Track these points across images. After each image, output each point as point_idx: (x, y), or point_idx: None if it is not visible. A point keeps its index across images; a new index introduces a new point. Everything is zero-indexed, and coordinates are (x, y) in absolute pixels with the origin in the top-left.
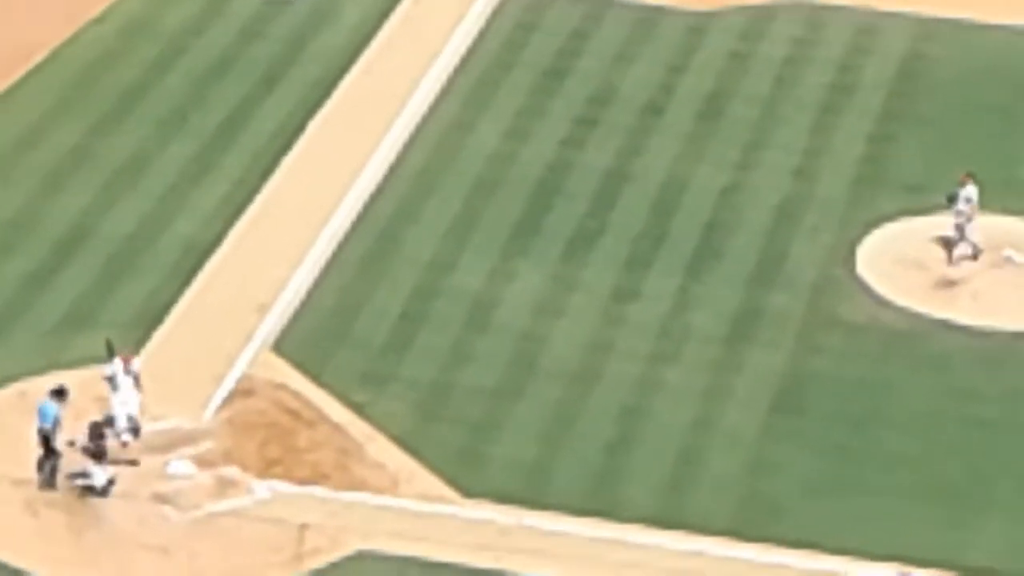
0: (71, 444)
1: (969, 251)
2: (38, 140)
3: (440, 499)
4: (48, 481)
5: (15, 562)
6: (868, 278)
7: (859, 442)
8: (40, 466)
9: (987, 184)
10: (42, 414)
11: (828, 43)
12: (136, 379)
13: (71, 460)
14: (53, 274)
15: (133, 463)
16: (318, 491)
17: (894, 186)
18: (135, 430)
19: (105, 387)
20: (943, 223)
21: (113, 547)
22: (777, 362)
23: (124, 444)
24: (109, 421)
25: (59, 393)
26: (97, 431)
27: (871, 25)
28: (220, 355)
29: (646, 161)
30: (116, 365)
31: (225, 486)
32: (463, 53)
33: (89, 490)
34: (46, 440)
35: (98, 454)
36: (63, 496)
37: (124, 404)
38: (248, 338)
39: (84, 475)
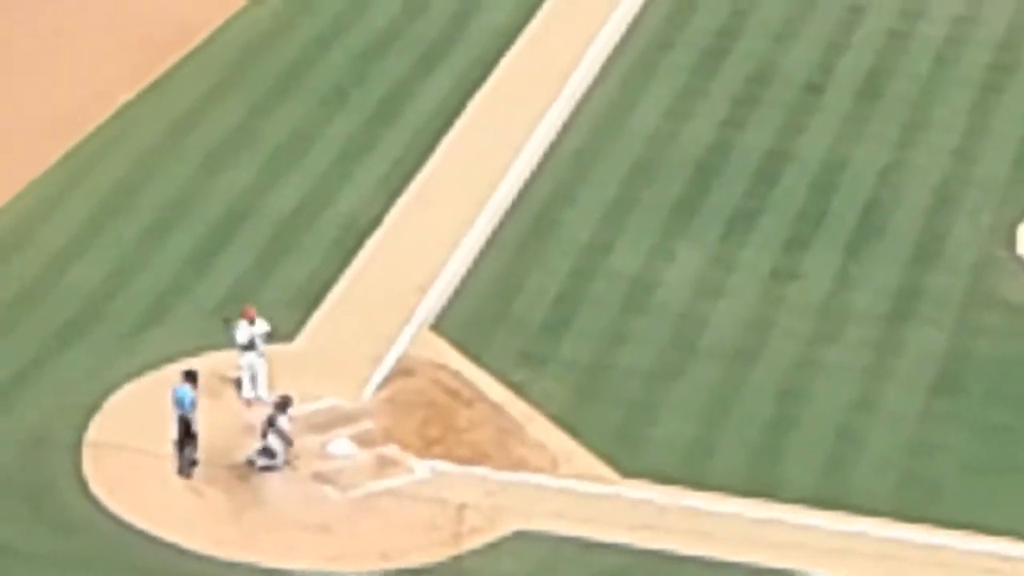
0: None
1: None
2: (200, 119)
3: (599, 479)
4: (186, 467)
5: (180, 541)
6: None
7: (1020, 422)
8: (180, 449)
9: None
10: (178, 399)
11: (988, 22)
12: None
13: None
14: (214, 254)
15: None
16: (477, 471)
17: None
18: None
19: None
20: None
21: (274, 526)
22: (937, 342)
23: (248, 402)
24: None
25: (191, 376)
26: (284, 406)
27: None
28: (379, 335)
29: (805, 140)
30: (242, 324)
31: (385, 465)
32: (622, 33)
33: (267, 468)
34: (186, 425)
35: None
36: (226, 476)
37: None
38: (407, 318)
39: (269, 453)
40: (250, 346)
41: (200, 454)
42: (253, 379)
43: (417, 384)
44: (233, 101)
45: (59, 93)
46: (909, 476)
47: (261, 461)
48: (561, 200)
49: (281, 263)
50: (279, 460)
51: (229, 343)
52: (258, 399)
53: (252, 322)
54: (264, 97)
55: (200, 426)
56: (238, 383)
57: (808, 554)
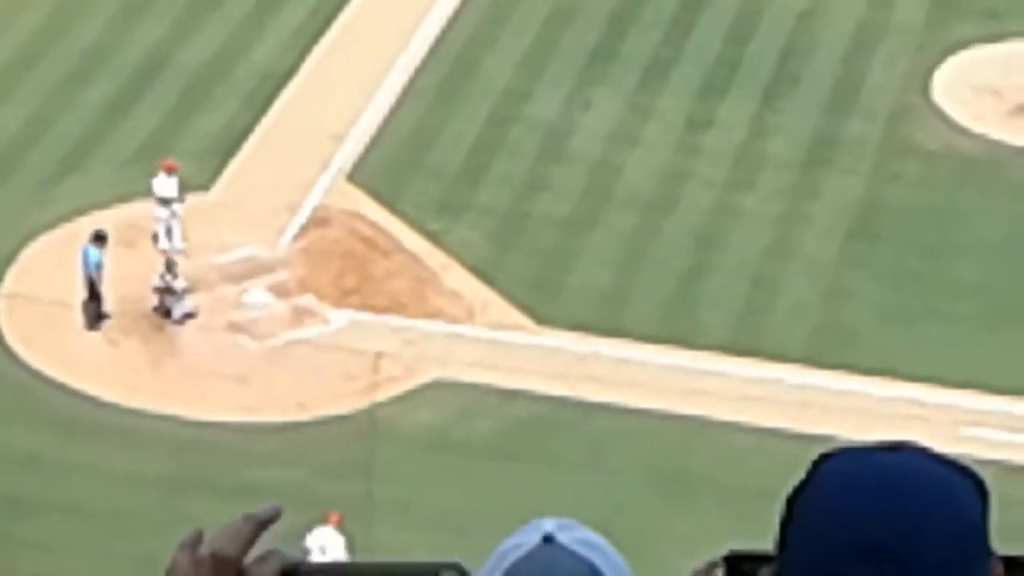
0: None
1: None
2: None
3: (515, 327)
4: (92, 324)
5: (94, 391)
6: (944, 105)
7: (934, 269)
8: (85, 309)
9: None
10: (84, 260)
11: None
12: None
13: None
14: (130, 104)
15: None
16: (394, 320)
17: (972, 12)
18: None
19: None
20: (1022, 51)
21: (190, 376)
22: (853, 189)
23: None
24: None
25: (100, 238)
26: (171, 267)
27: None
28: (295, 184)
29: None
30: (161, 178)
31: (301, 315)
32: None
33: (167, 315)
34: (92, 285)
35: (166, 290)
36: (140, 326)
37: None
38: (323, 167)
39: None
40: (167, 200)
41: (110, 306)
42: (169, 232)
43: (333, 234)
44: None
45: None
46: (824, 322)
47: (178, 311)
48: (478, 47)
49: (197, 113)
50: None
51: (147, 194)
52: (175, 251)
53: (171, 174)
54: None
55: (109, 279)
56: (155, 236)
57: (723, 400)
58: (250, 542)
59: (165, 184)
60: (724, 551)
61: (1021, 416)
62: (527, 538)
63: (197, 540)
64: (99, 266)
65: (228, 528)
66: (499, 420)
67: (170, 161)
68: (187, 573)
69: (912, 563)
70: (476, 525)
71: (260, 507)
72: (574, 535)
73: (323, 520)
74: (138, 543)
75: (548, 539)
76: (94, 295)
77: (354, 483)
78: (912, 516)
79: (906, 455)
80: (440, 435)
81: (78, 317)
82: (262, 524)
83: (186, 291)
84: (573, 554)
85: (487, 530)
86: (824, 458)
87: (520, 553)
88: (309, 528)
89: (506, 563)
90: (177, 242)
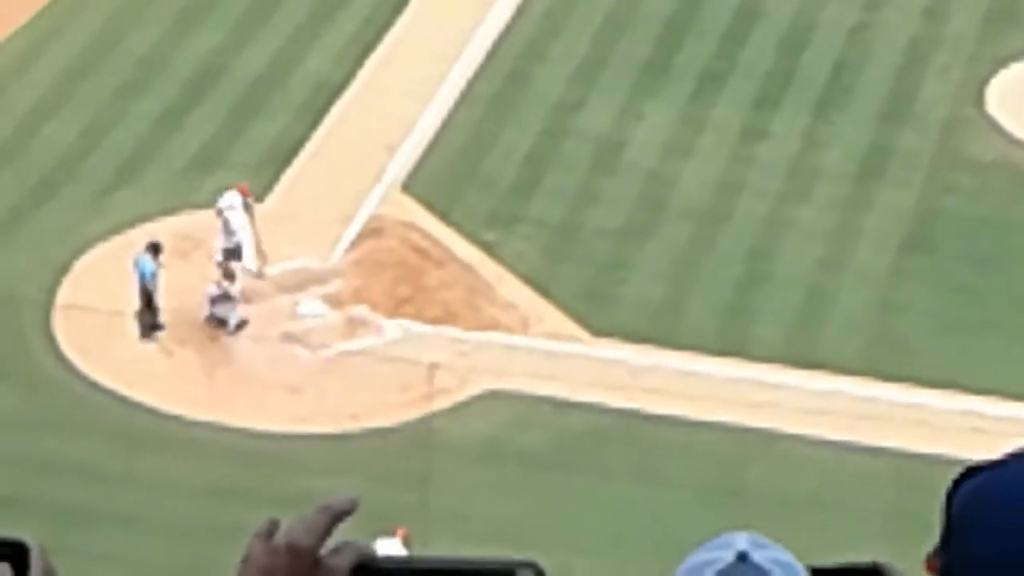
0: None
1: None
2: None
3: (569, 339)
4: (146, 334)
5: (150, 401)
6: (998, 117)
7: (989, 281)
8: (140, 319)
9: None
10: (140, 270)
11: None
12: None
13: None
14: (184, 114)
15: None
16: (448, 331)
17: None
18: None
19: (221, 221)
20: None
21: (244, 386)
22: (907, 201)
23: (257, 274)
24: (225, 255)
25: (155, 248)
26: (227, 274)
27: None
28: (349, 195)
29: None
30: (232, 197)
31: (355, 325)
32: None
33: (222, 324)
34: (147, 295)
35: (223, 297)
36: (195, 336)
37: (249, 235)
38: (377, 177)
39: (220, 320)
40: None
41: (165, 316)
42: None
43: (387, 244)
44: None
45: None
46: (878, 335)
47: (233, 319)
48: (531, 58)
49: (251, 124)
50: (232, 320)
51: (201, 204)
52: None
53: (245, 198)
54: None
55: (164, 290)
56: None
57: (778, 413)
58: (326, 533)
59: (234, 203)
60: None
61: None
62: (720, 555)
63: (273, 529)
64: (154, 276)
65: (304, 518)
66: (553, 432)
67: (244, 185)
68: (262, 562)
69: None
70: (531, 536)
71: (336, 498)
72: (768, 554)
73: (392, 532)
74: (192, 553)
75: (742, 557)
76: (149, 305)
77: (408, 494)
78: None
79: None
80: (494, 446)
81: (133, 327)
82: (338, 515)
83: (241, 298)
84: (767, 573)
85: (542, 541)
86: (959, 482)
87: (715, 569)
88: (371, 538)
89: None
90: (250, 262)
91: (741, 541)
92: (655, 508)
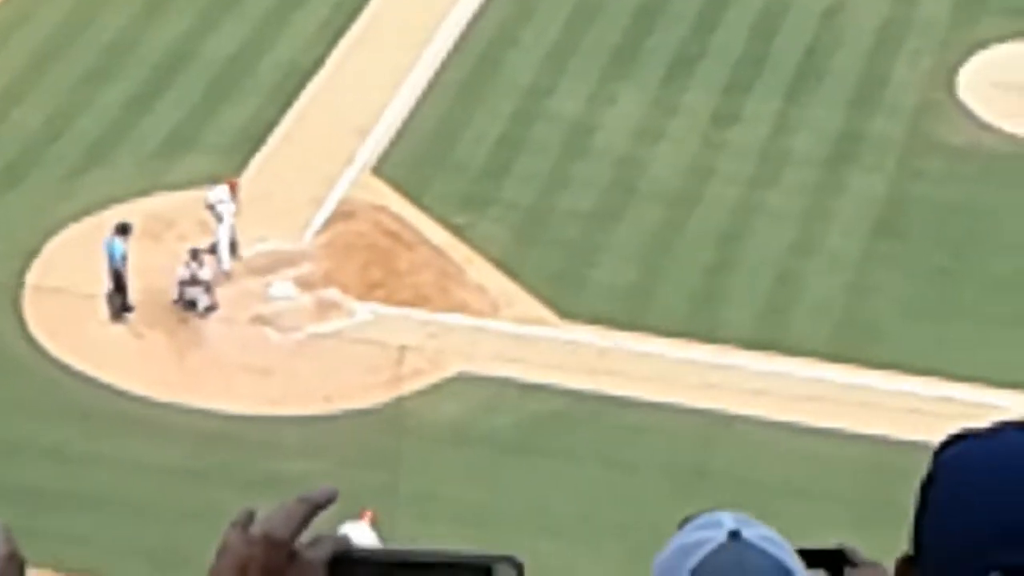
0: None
1: None
2: None
3: (539, 321)
4: (117, 316)
5: (119, 383)
6: (969, 101)
7: (959, 266)
8: (110, 300)
9: None
10: (109, 252)
11: None
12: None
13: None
14: (154, 98)
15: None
16: (418, 313)
17: (997, 9)
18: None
19: (207, 214)
20: None
21: (215, 368)
22: (877, 185)
23: (226, 274)
24: (212, 248)
25: (123, 229)
26: (196, 257)
27: None
28: (320, 178)
29: None
30: (221, 191)
31: (326, 308)
32: None
33: (191, 306)
34: (118, 276)
35: (193, 280)
36: (165, 318)
37: (228, 232)
38: (348, 161)
39: (189, 302)
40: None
41: (137, 297)
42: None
43: (358, 227)
44: None
45: None
46: (849, 319)
47: (202, 302)
48: (502, 42)
49: (221, 107)
50: (200, 304)
51: (171, 187)
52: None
53: (233, 191)
54: None
55: (134, 271)
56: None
57: (744, 395)
58: (303, 524)
59: (223, 198)
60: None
61: None
62: (710, 534)
63: (249, 519)
64: (123, 257)
65: (281, 509)
66: (522, 414)
67: (236, 180)
68: (239, 552)
69: None
70: (499, 518)
71: (315, 489)
72: (757, 532)
73: (358, 515)
74: (163, 535)
75: (734, 535)
76: (119, 286)
77: (379, 476)
78: None
79: (1016, 432)
80: (463, 428)
81: (103, 309)
82: (316, 506)
83: (212, 281)
84: (762, 551)
85: (509, 524)
86: (945, 447)
87: (707, 550)
88: (339, 521)
89: (692, 560)
90: (224, 262)
91: (728, 520)
92: (623, 490)
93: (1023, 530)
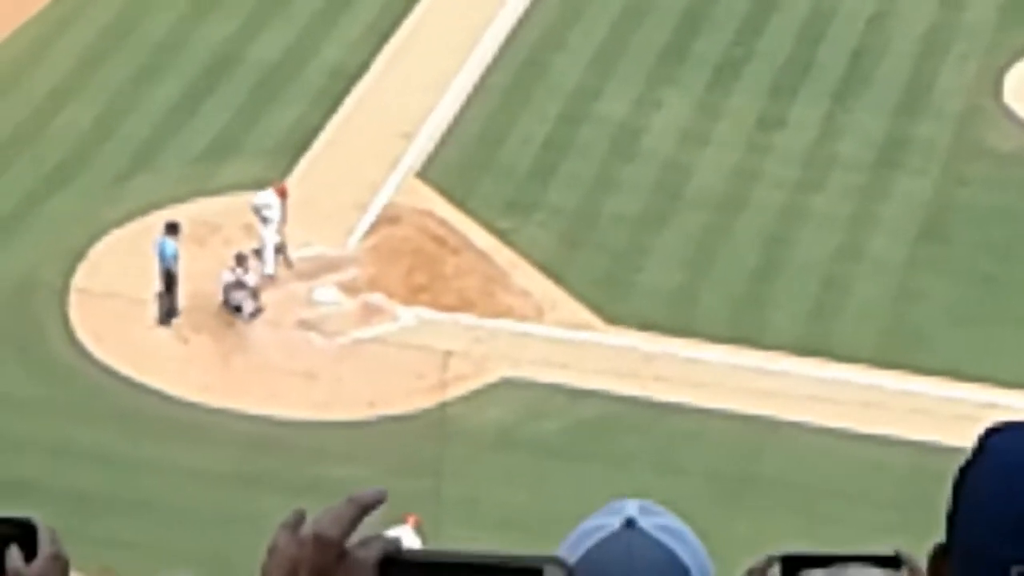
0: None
1: None
2: None
3: (584, 326)
4: (165, 317)
5: (166, 388)
6: (1015, 107)
7: (1005, 271)
8: (160, 301)
9: None
10: (161, 252)
11: None
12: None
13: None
14: (200, 100)
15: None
16: (463, 318)
17: None
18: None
19: (254, 218)
20: None
21: (260, 373)
22: (923, 190)
23: (271, 278)
24: (258, 253)
25: (173, 228)
26: (242, 262)
27: None
28: (365, 182)
29: None
30: (268, 195)
31: (371, 313)
32: None
33: (237, 311)
34: (169, 276)
35: (238, 285)
36: (211, 324)
37: (274, 236)
38: (393, 165)
39: (235, 307)
40: (265, 218)
41: (182, 302)
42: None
43: (403, 231)
44: None
45: None
46: (894, 324)
47: (248, 306)
48: (549, 46)
49: (267, 110)
50: (245, 308)
51: (217, 191)
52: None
53: (282, 197)
54: None
55: (182, 275)
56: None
57: (792, 401)
58: (353, 525)
59: (270, 203)
60: (782, 550)
61: None
62: (608, 521)
63: (300, 520)
64: (175, 256)
65: (331, 510)
66: (567, 419)
67: (284, 185)
68: (289, 553)
69: None
70: (543, 524)
71: (364, 490)
72: (655, 520)
73: (402, 520)
74: (207, 540)
75: (630, 523)
76: (169, 286)
77: (423, 481)
78: None
79: None
80: (508, 434)
81: (149, 313)
82: (365, 507)
83: (258, 287)
84: (654, 541)
85: (554, 530)
86: (992, 433)
87: (601, 535)
88: (384, 527)
89: (586, 544)
90: (269, 266)
91: (631, 507)
92: (669, 496)
93: None
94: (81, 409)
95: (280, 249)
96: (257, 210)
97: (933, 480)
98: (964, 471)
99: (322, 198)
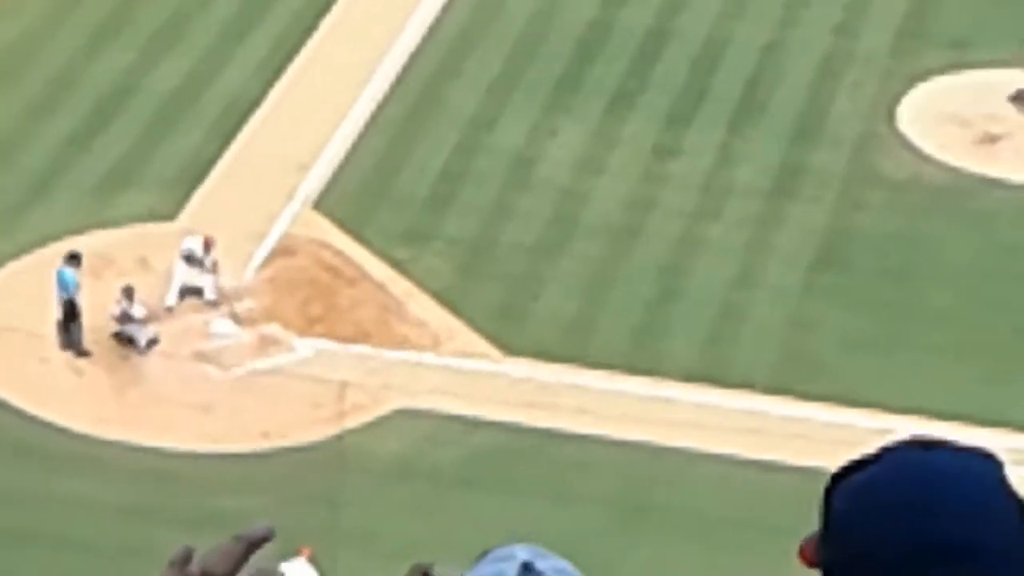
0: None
1: None
2: None
3: (481, 356)
4: (73, 343)
5: (61, 420)
6: (910, 134)
7: (901, 298)
8: (63, 329)
9: None
10: (62, 282)
11: None
12: (215, 264)
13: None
14: (95, 133)
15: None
16: (359, 349)
17: (937, 41)
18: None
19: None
20: (989, 80)
21: (156, 405)
22: (819, 218)
23: (169, 309)
24: (184, 292)
25: (75, 258)
26: (129, 294)
27: None
28: (261, 214)
29: (687, 18)
30: (195, 242)
31: (267, 344)
32: None
33: (130, 343)
34: (71, 306)
35: (125, 318)
36: (105, 355)
37: (187, 278)
38: (289, 196)
39: (128, 337)
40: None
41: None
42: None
43: (299, 263)
44: None
45: None
46: (792, 351)
47: (141, 338)
48: (444, 77)
49: (162, 142)
50: (140, 338)
51: (113, 223)
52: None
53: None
54: None
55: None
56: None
57: (687, 429)
58: (240, 562)
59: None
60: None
61: (994, 447)
62: (504, 567)
63: (187, 557)
64: (77, 286)
65: (219, 547)
66: (464, 449)
67: (210, 237)
68: None
69: (985, 558)
70: (442, 555)
71: (251, 527)
72: (550, 563)
73: (297, 552)
74: (101, 573)
75: (527, 568)
76: (73, 316)
77: (320, 512)
78: (974, 509)
79: (941, 452)
80: (405, 464)
81: (44, 345)
82: (253, 544)
83: (146, 319)
84: None
85: (452, 560)
86: (839, 475)
87: None
88: (281, 558)
89: None
90: (171, 299)
91: (521, 552)
92: (566, 526)
93: (949, 545)
94: None
95: (197, 292)
96: (186, 255)
97: None
98: (824, 514)
99: (218, 229)
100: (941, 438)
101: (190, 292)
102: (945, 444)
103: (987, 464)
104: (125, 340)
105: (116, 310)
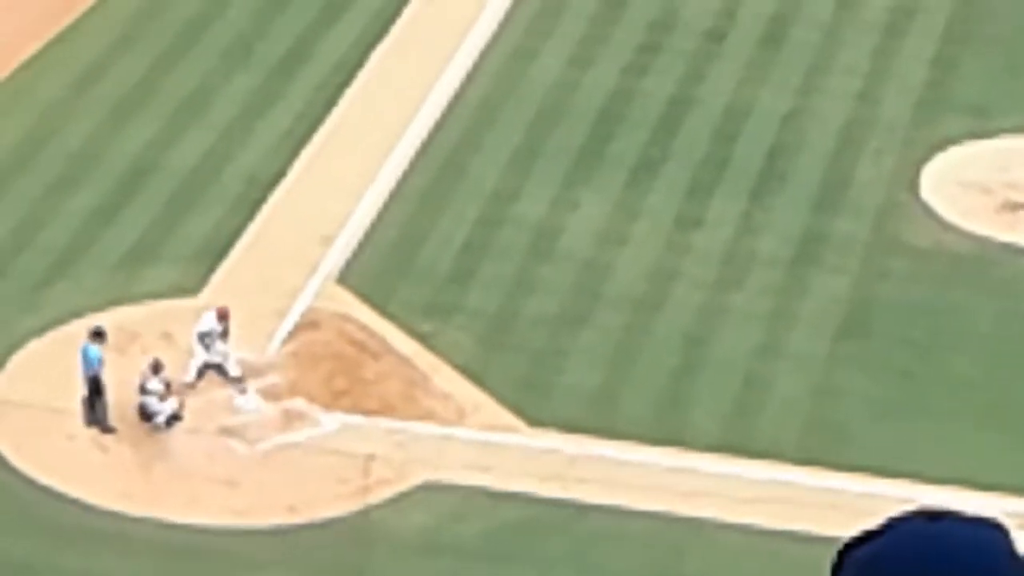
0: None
1: None
2: (102, 74)
3: (506, 428)
4: (98, 419)
5: (86, 497)
6: (933, 202)
7: (925, 367)
8: (88, 406)
9: None
10: (87, 358)
11: None
12: (225, 332)
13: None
14: (118, 208)
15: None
16: (384, 422)
17: (958, 108)
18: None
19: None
20: (1010, 147)
21: (181, 480)
22: (842, 287)
23: (190, 384)
24: (203, 370)
25: (99, 335)
26: (157, 370)
27: None
28: (284, 288)
29: (708, 87)
30: (209, 319)
31: (292, 419)
32: None
33: (150, 419)
34: (95, 382)
35: (148, 391)
36: (130, 432)
37: (210, 356)
38: (312, 270)
39: (150, 414)
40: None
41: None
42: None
43: (323, 337)
44: (136, 55)
45: None
46: (816, 421)
47: (161, 417)
48: (466, 148)
49: (185, 217)
50: (162, 415)
51: (136, 298)
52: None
53: (221, 319)
54: (166, 51)
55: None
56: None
57: (715, 501)
58: None
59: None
60: None
61: (1015, 514)
62: None
63: None
64: (102, 362)
65: None
66: (490, 522)
67: (224, 307)
68: None
69: None
70: None
71: None
72: None
73: None
74: None
75: None
76: (97, 391)
77: None
78: None
79: (948, 522)
80: (431, 538)
81: (69, 422)
82: None
83: (166, 395)
84: None
85: None
86: (848, 547)
87: None
88: None
89: None
90: (190, 375)
91: None
92: None
93: None
94: (1, 520)
95: (220, 369)
96: (200, 337)
97: None
98: (859, 552)
99: (241, 304)
100: (947, 508)
101: (209, 368)
102: (951, 514)
103: (994, 533)
104: (146, 416)
105: (145, 383)
